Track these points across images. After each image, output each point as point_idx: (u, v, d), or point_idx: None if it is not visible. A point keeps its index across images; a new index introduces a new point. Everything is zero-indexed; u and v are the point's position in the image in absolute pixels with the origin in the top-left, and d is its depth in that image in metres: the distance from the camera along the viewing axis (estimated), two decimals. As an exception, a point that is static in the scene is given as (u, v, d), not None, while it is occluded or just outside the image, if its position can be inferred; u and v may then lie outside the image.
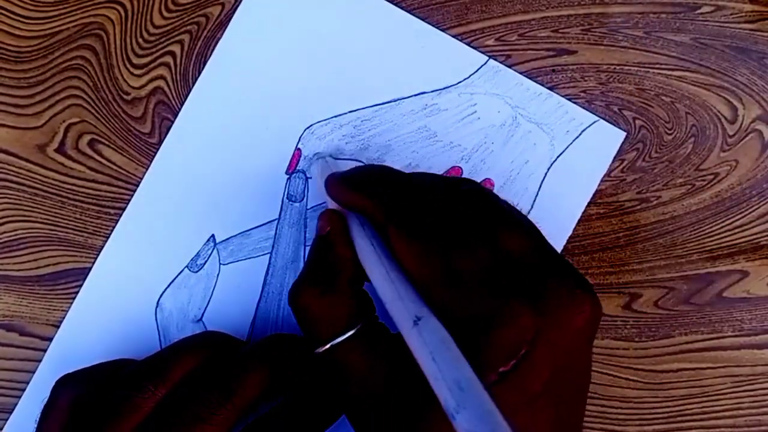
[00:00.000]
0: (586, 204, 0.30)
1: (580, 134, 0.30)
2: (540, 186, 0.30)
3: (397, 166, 0.29)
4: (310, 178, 0.30)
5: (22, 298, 0.30)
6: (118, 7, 0.30)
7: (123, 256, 0.30)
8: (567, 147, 0.30)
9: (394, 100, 0.30)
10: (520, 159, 0.30)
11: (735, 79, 0.30)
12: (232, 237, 0.30)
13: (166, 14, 0.30)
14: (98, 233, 0.30)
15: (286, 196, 0.30)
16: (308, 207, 0.30)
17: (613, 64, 0.30)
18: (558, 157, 0.30)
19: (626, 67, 0.30)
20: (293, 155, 0.30)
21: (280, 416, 0.25)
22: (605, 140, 0.30)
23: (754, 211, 0.30)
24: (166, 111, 0.30)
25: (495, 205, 0.23)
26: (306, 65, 0.30)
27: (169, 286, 0.30)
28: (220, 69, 0.30)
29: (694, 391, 0.29)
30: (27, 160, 0.30)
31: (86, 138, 0.30)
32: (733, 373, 0.29)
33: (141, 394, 0.24)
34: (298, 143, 0.30)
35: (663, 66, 0.30)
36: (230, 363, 0.25)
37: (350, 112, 0.30)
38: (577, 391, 0.22)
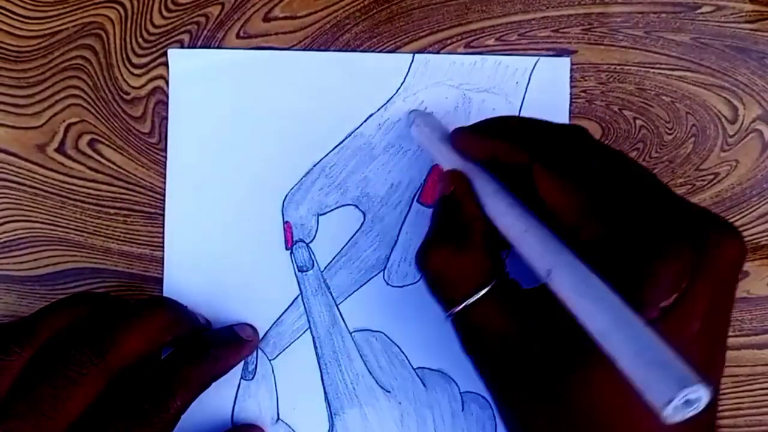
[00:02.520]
0: None
1: (529, 80, 0.30)
2: None
3: (380, 190, 0.30)
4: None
5: (22, 298, 0.30)
6: (118, 7, 0.30)
7: None
8: (524, 97, 0.30)
9: (350, 134, 0.30)
10: None
11: (735, 79, 0.30)
12: (267, 331, 0.30)
13: (165, 14, 0.30)
14: (98, 233, 0.30)
15: (296, 269, 0.30)
16: (321, 270, 0.30)
17: (613, 64, 0.30)
18: (520, 110, 0.30)
19: (626, 67, 0.30)
20: (285, 230, 0.30)
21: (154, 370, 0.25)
22: (555, 73, 0.30)
23: (754, 211, 0.30)
24: (166, 111, 0.30)
25: (622, 154, 0.23)
26: (254, 138, 0.30)
27: (234, 403, 0.29)
28: (181, 162, 0.30)
29: (694, 391, 0.29)
30: (27, 160, 0.30)
31: (86, 138, 0.30)
32: (733, 373, 0.29)
33: (7, 356, 0.23)
34: (283, 217, 0.30)
35: (663, 66, 0.30)
36: (105, 321, 0.25)
37: (315, 165, 0.30)
38: (725, 330, 0.22)
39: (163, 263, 0.30)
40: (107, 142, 0.30)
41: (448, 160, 0.26)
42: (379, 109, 0.30)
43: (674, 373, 0.16)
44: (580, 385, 0.20)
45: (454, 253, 0.23)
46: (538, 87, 0.30)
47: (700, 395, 0.16)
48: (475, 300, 0.22)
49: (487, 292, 0.22)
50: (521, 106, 0.30)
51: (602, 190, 0.21)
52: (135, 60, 0.30)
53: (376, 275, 0.30)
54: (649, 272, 0.19)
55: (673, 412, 0.16)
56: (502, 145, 0.24)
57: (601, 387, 0.19)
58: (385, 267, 0.30)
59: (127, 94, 0.30)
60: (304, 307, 0.30)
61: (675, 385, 0.16)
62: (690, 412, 0.16)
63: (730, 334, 0.29)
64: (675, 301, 0.19)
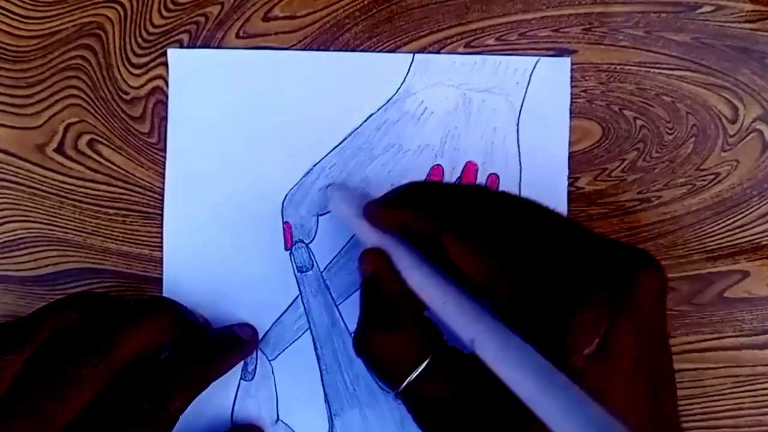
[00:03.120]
0: (568, 141, 0.29)
1: (529, 80, 0.30)
2: (518, 144, 0.30)
3: (379, 190, 0.29)
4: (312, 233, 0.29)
5: (21, 298, 0.30)
6: (118, 7, 0.30)
7: None
8: (524, 97, 0.30)
9: (349, 134, 0.30)
10: (488, 129, 0.30)
11: (736, 79, 0.29)
12: (267, 332, 0.30)
13: (165, 14, 0.30)
14: (97, 233, 0.30)
15: (296, 270, 0.30)
16: (321, 270, 0.30)
17: (613, 64, 0.30)
18: (521, 110, 0.30)
19: (627, 67, 0.30)
20: (284, 230, 0.30)
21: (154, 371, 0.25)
22: (555, 73, 0.30)
23: (754, 211, 0.29)
24: (165, 111, 0.30)
25: (528, 202, 0.23)
26: (254, 138, 0.30)
27: (234, 403, 0.29)
28: (180, 162, 0.30)
29: (695, 391, 0.29)
30: (26, 160, 0.30)
31: (85, 138, 0.30)
32: (733, 373, 0.29)
33: (6, 356, 0.23)
34: (283, 218, 0.30)
35: (664, 65, 0.30)
36: (105, 322, 0.25)
37: (315, 165, 0.30)
38: (664, 360, 0.22)
39: (162, 263, 0.30)
40: (106, 142, 0.30)
41: (366, 235, 0.25)
42: (379, 109, 0.30)
43: (601, 428, 0.16)
44: None
45: (385, 334, 0.23)
46: (538, 87, 0.30)
47: None
48: (415, 376, 0.22)
49: (426, 365, 0.22)
50: (521, 106, 0.30)
51: (511, 247, 0.21)
52: (134, 60, 0.30)
53: (375, 275, 0.30)
54: (566, 322, 0.20)
55: None
56: (410, 214, 0.24)
57: None
58: None
59: (127, 94, 0.30)
60: (304, 308, 0.30)
61: None
62: None
63: (731, 334, 0.29)
64: (599, 346, 0.19)
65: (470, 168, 0.30)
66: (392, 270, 0.24)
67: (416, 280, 0.23)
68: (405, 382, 0.22)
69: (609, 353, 0.19)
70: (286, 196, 0.30)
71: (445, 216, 0.23)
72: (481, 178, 0.30)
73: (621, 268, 0.21)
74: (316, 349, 0.29)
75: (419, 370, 0.22)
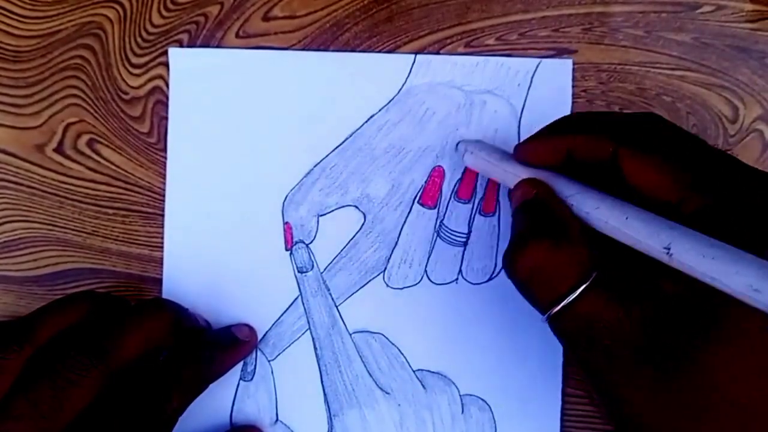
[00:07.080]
0: None
1: (531, 82, 0.30)
2: None
3: (381, 192, 0.29)
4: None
5: (21, 298, 0.30)
6: (117, 7, 0.30)
7: None
8: (525, 99, 0.30)
9: (350, 135, 0.30)
10: (490, 130, 0.30)
11: (736, 79, 0.29)
12: (267, 332, 0.30)
13: (165, 13, 0.30)
14: (96, 233, 0.30)
15: (296, 270, 0.30)
16: (321, 271, 0.30)
17: (613, 64, 0.30)
18: (522, 112, 0.30)
19: (627, 67, 0.30)
20: (285, 231, 0.30)
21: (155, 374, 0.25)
22: (557, 74, 0.29)
23: (755, 211, 0.29)
24: (164, 111, 0.30)
25: (701, 138, 0.23)
26: (254, 138, 0.30)
27: (233, 404, 0.29)
28: (180, 162, 0.30)
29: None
30: (25, 160, 0.30)
31: (85, 138, 0.30)
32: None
33: (5, 354, 0.23)
34: (283, 218, 0.30)
35: (664, 65, 0.30)
36: (106, 322, 0.25)
37: (315, 165, 0.30)
38: None
39: (161, 264, 0.30)
40: (106, 142, 0.30)
41: (517, 174, 0.25)
42: (380, 110, 0.30)
43: None
44: (713, 359, 0.19)
45: (553, 247, 0.22)
46: (540, 89, 0.30)
47: None
48: (579, 293, 0.21)
49: (594, 280, 0.21)
50: (523, 108, 0.30)
51: (698, 163, 0.21)
52: (134, 60, 0.30)
53: (376, 276, 0.30)
54: None
55: None
56: (580, 138, 0.23)
57: (735, 360, 0.19)
58: (385, 268, 0.30)
59: (126, 93, 0.30)
60: (304, 308, 0.30)
61: None
62: None
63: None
64: None
65: (471, 170, 0.30)
66: (556, 195, 0.23)
67: (588, 203, 0.22)
68: (567, 300, 0.21)
69: None
70: (286, 196, 0.30)
71: (622, 135, 0.22)
72: (482, 180, 0.30)
73: None
74: (315, 349, 0.29)
75: (584, 287, 0.21)
